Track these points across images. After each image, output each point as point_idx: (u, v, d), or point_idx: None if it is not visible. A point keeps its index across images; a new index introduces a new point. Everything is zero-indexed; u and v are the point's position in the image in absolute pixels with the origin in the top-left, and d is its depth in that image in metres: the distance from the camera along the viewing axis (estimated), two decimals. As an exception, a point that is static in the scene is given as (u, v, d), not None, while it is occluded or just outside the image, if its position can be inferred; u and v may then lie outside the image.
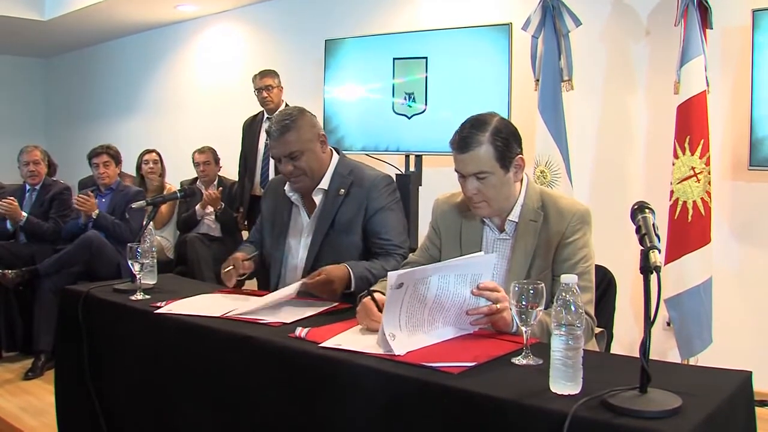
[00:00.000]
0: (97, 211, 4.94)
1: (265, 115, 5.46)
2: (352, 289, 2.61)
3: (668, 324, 4.07)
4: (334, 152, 2.92)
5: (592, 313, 2.24)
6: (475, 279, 2.05)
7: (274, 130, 2.75)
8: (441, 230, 2.50)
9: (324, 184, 2.83)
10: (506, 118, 2.36)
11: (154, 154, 6.11)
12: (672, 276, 3.91)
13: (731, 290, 4.11)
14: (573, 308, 1.57)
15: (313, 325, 2.20)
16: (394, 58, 4.99)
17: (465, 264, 2.05)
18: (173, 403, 2.41)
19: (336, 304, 2.53)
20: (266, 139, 5.16)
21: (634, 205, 1.78)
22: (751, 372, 1.75)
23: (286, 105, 5.39)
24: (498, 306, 2.02)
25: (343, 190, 2.82)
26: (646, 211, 1.74)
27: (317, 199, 2.84)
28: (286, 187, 2.88)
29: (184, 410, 2.36)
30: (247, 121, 5.67)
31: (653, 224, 1.69)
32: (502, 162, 2.22)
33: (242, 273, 2.81)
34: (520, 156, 2.28)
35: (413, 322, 1.98)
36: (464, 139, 2.22)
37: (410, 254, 2.66)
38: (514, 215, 2.32)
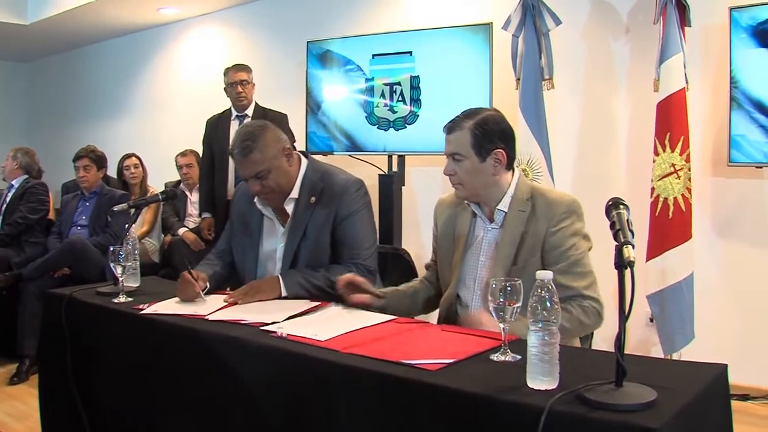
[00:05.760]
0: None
1: (234, 113, 5.18)
2: (284, 294, 2.65)
3: (651, 320, 4.11)
4: (302, 158, 2.86)
5: (596, 295, 2.31)
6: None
7: (236, 151, 2.68)
8: (438, 225, 2.64)
9: (294, 193, 2.78)
10: (504, 117, 2.44)
11: (134, 158, 6.04)
12: (654, 272, 3.95)
13: (713, 286, 4.14)
14: (549, 304, 1.59)
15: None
16: (375, 59, 5.01)
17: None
18: (158, 405, 2.42)
19: (318, 303, 2.54)
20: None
21: (608, 202, 1.81)
22: (726, 365, 1.76)
23: (257, 104, 5.21)
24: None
25: (314, 198, 2.78)
26: (621, 206, 1.77)
27: (289, 208, 2.80)
28: (256, 200, 2.83)
29: (169, 412, 2.37)
30: (212, 120, 5.32)
31: (627, 220, 1.72)
32: (478, 150, 2.34)
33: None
34: (500, 150, 2.36)
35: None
36: (452, 122, 2.40)
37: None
38: (503, 205, 2.41)
